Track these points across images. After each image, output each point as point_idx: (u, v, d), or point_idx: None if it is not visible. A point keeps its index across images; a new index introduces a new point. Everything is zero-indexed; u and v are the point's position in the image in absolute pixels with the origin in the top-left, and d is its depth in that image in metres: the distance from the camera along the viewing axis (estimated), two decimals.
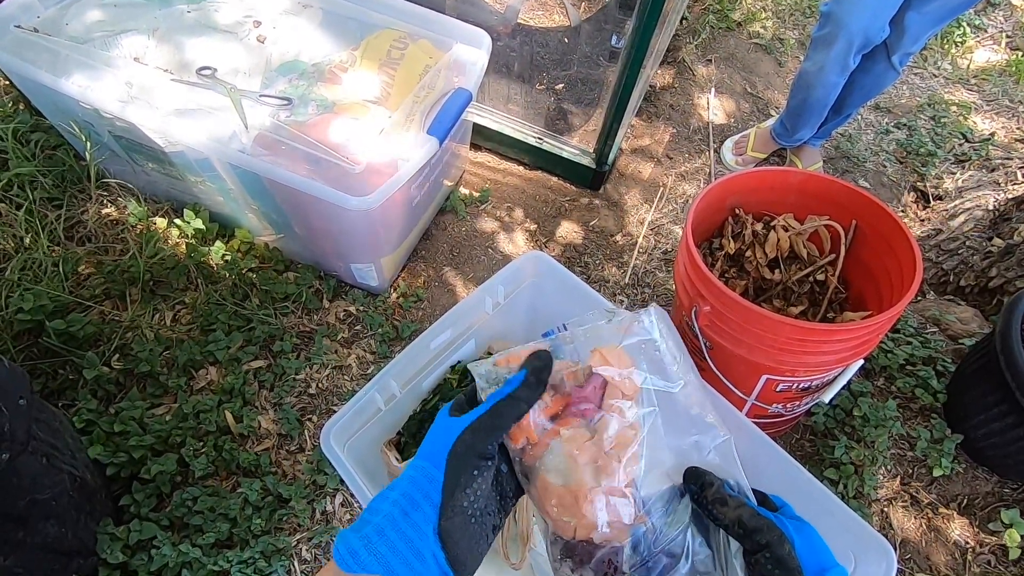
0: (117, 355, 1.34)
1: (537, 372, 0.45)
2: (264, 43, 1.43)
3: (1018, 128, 2.18)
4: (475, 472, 0.42)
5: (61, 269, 1.39)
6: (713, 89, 2.20)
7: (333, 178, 1.22)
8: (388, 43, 1.44)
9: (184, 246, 1.50)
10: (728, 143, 2.04)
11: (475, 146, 1.92)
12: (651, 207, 1.86)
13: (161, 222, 1.53)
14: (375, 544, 0.40)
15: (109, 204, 1.56)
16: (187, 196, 1.53)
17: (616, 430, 0.45)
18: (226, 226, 1.57)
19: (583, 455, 0.44)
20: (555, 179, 1.89)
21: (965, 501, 1.32)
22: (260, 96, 1.30)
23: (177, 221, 1.52)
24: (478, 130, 1.86)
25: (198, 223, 1.50)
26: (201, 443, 1.24)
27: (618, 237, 1.79)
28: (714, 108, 2.15)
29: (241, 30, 1.43)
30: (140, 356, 1.31)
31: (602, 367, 0.47)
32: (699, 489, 0.44)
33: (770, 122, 1.98)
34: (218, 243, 1.51)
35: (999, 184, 1.82)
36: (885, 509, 1.29)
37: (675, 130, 2.08)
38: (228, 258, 1.50)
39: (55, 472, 0.95)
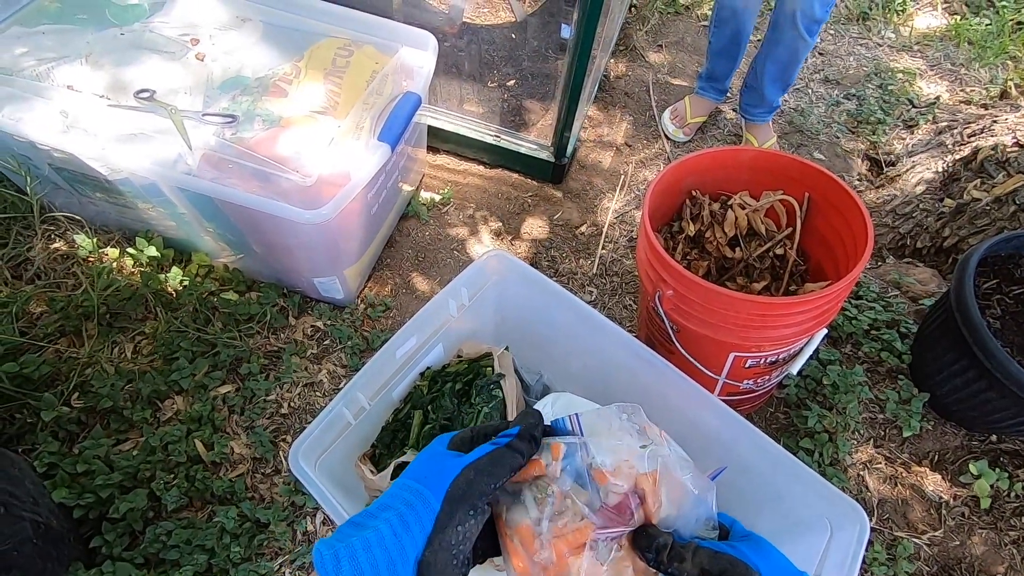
0: (77, 393, 1.29)
1: (531, 429, 0.46)
2: (204, 60, 1.39)
3: (961, 90, 2.24)
4: (471, 512, 0.41)
5: (12, 310, 1.34)
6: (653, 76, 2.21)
7: (285, 193, 1.20)
8: (332, 52, 1.41)
9: (139, 275, 1.46)
10: (666, 114, 2.06)
11: (433, 149, 1.91)
12: (614, 196, 1.87)
13: (113, 252, 1.49)
14: (359, 557, 0.40)
15: (57, 238, 1.51)
16: (138, 223, 1.48)
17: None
18: (182, 251, 1.53)
19: None
20: (516, 175, 1.89)
21: (936, 457, 1.35)
22: (203, 115, 1.26)
23: (130, 250, 1.47)
24: (435, 132, 1.84)
25: (152, 250, 1.46)
26: (172, 475, 1.21)
27: (583, 228, 1.79)
28: (666, 91, 2.17)
29: (178, 49, 1.40)
30: (101, 392, 1.27)
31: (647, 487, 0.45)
32: (655, 555, 0.43)
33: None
34: (175, 269, 1.47)
35: (946, 146, 1.87)
36: (861, 473, 1.31)
37: (632, 117, 2.09)
38: (186, 283, 1.47)
39: (15, 521, 0.91)
